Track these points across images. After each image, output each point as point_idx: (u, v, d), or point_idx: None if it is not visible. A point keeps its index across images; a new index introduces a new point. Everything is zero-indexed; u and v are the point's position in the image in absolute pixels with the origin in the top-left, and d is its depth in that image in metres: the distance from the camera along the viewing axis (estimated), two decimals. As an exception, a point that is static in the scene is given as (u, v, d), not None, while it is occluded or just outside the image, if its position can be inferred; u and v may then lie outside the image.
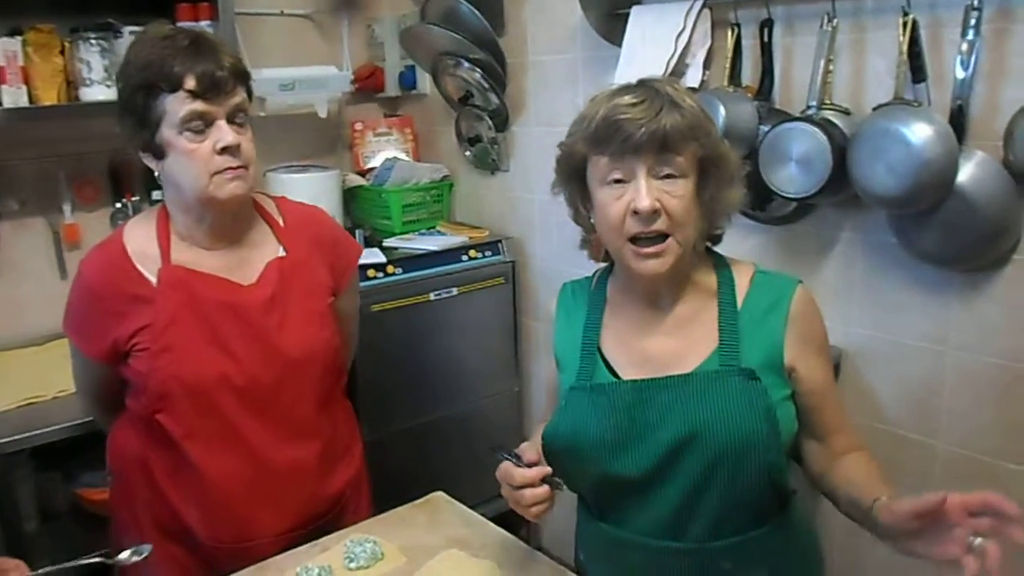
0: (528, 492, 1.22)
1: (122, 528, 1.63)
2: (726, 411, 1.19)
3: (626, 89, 1.21)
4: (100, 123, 2.36)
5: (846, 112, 1.74)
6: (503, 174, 2.71)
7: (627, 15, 2.07)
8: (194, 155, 1.40)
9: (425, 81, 2.85)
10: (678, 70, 1.97)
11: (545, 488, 1.22)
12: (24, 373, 2.14)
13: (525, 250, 2.69)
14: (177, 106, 1.38)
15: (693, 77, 1.97)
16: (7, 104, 2.06)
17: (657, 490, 1.23)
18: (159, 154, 1.44)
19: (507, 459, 1.25)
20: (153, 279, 1.47)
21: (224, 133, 1.40)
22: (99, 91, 2.18)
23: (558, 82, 2.45)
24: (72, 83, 2.18)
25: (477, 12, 2.43)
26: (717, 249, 1.35)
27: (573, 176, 1.28)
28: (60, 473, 2.12)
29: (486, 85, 2.53)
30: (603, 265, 1.40)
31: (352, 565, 1.38)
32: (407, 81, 2.88)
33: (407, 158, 2.88)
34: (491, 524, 1.52)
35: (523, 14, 2.50)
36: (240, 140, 1.42)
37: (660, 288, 1.28)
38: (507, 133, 2.64)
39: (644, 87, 1.20)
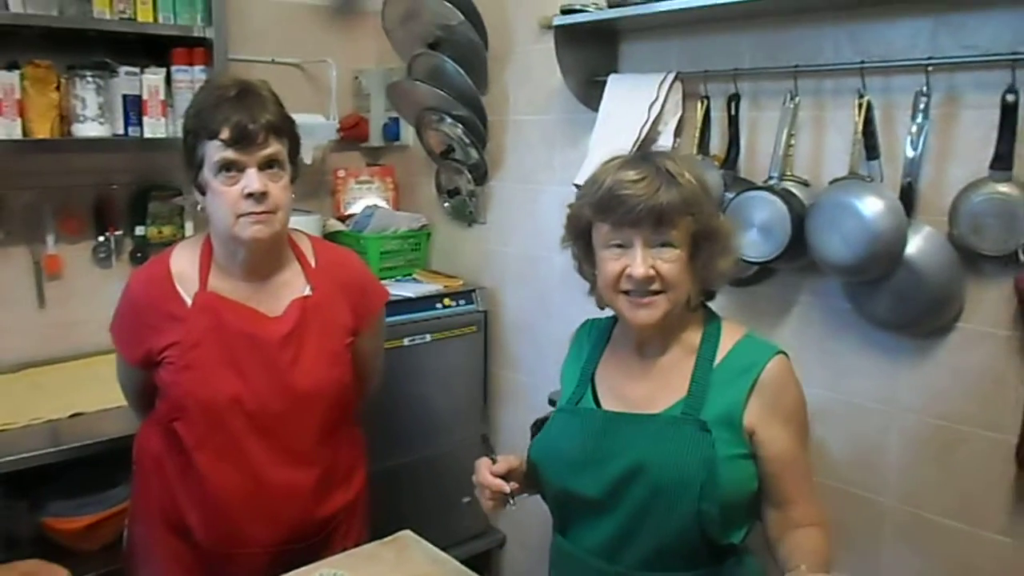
0: (482, 495, 1.39)
1: (135, 515, 1.75)
2: (671, 453, 1.30)
3: (632, 163, 1.33)
4: (90, 158, 2.43)
5: (805, 183, 1.84)
6: (480, 226, 2.79)
7: (604, 82, 2.18)
8: (224, 197, 1.51)
9: (408, 133, 2.94)
10: (650, 137, 2.07)
11: (498, 497, 1.38)
12: (-3, 400, 2.16)
13: (498, 300, 2.76)
14: (213, 152, 1.50)
15: (664, 144, 2.07)
16: (1, 136, 2.11)
17: (604, 514, 1.34)
18: (202, 191, 1.56)
19: (487, 455, 1.42)
20: (189, 300, 1.58)
21: (251, 180, 1.51)
22: (92, 127, 2.24)
23: (536, 141, 2.55)
24: (65, 118, 2.24)
25: (462, 71, 2.53)
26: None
27: (580, 235, 1.41)
28: (27, 502, 2.11)
29: (467, 140, 2.62)
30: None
31: (320, 597, 1.42)
32: (391, 132, 2.97)
33: (387, 206, 2.96)
34: (456, 562, 1.57)
35: (506, 75, 2.61)
36: (268, 188, 1.52)
37: (648, 338, 1.39)
38: (485, 187, 2.73)
39: (648, 163, 1.32)
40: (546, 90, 2.47)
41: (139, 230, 2.55)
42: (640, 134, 2.04)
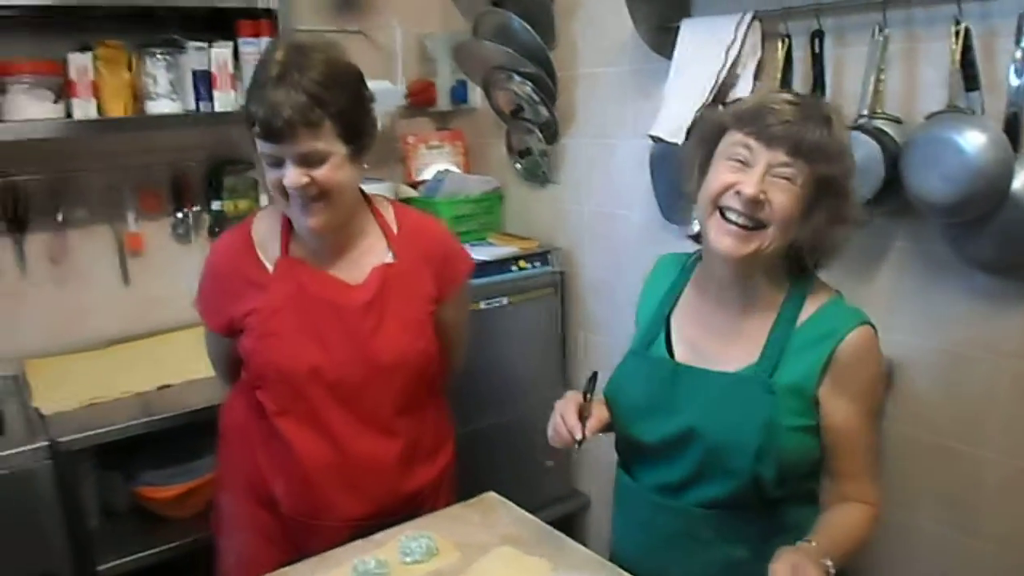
0: (556, 423, 1.34)
1: (221, 484, 1.76)
2: (728, 413, 1.28)
3: (792, 93, 1.31)
4: (164, 135, 2.46)
5: (897, 121, 1.73)
6: (553, 186, 2.74)
7: (677, 28, 2.09)
8: (271, 181, 1.49)
9: (476, 95, 2.90)
10: (728, 82, 1.98)
11: (567, 437, 1.32)
12: (88, 375, 2.21)
13: (574, 261, 2.71)
14: (256, 139, 1.46)
15: (743, 89, 1.98)
16: (78, 116, 2.14)
17: (665, 461, 1.36)
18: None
19: (586, 392, 1.37)
20: (270, 267, 1.58)
21: (288, 172, 1.45)
22: (164, 104, 2.26)
23: (608, 95, 2.48)
24: (138, 96, 2.26)
25: (528, 27, 2.46)
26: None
27: (706, 141, 1.34)
28: (121, 472, 2.18)
29: (537, 98, 2.57)
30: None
31: (407, 559, 1.41)
32: (459, 95, 2.93)
33: (458, 170, 2.93)
34: (541, 522, 1.55)
35: (573, 28, 2.53)
36: (311, 176, 1.44)
37: (730, 283, 1.34)
38: (557, 145, 2.67)
39: (809, 98, 1.30)
40: (616, 40, 2.39)
41: (216, 205, 2.57)
42: (717, 79, 1.96)
